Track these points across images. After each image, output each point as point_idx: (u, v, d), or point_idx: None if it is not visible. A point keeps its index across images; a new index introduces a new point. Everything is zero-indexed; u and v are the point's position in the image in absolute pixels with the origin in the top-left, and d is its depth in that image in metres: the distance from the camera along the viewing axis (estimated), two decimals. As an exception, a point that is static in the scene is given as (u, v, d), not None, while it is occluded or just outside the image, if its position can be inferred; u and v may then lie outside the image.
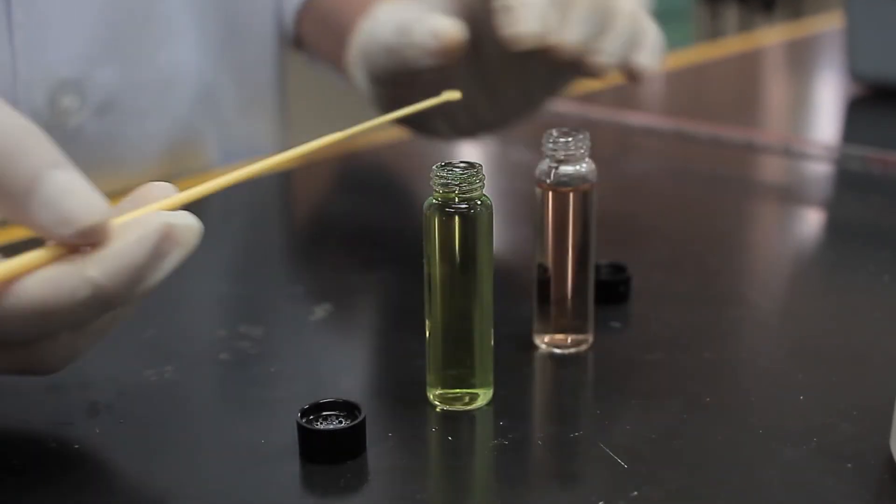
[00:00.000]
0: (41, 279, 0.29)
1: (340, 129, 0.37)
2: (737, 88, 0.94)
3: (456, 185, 0.35)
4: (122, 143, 0.63)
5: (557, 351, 0.41)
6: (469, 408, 0.37)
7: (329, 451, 0.33)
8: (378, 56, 0.49)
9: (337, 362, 0.41)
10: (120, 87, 0.61)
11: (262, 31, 0.69)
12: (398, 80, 0.50)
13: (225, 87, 0.68)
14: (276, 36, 0.70)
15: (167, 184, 0.33)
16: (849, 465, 0.33)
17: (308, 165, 0.67)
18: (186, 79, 0.65)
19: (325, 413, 0.35)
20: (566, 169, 0.39)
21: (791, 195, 0.64)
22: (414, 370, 0.40)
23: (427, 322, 0.36)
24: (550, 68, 0.49)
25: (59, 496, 0.32)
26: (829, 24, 1.15)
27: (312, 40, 0.69)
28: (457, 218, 0.35)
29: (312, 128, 0.58)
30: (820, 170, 0.65)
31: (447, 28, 0.45)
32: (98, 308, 0.30)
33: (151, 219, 0.30)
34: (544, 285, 0.40)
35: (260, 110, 0.72)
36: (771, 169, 0.68)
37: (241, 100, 0.70)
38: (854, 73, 0.85)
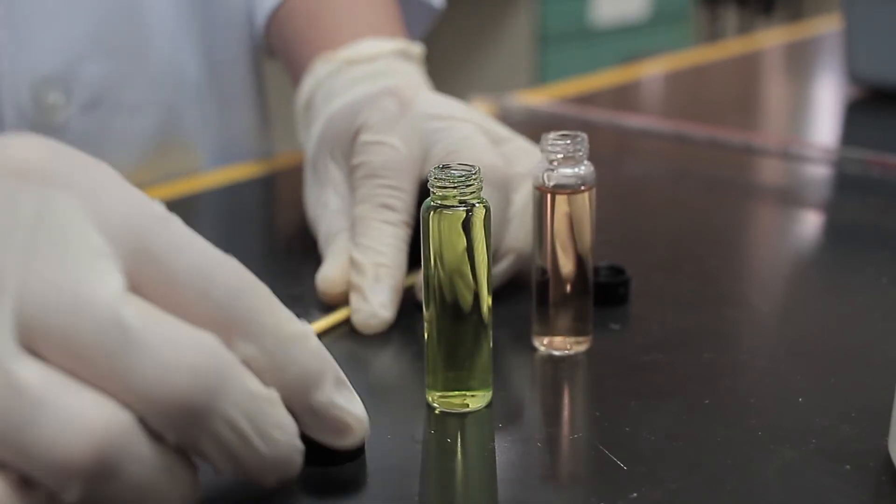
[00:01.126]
0: None
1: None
2: (736, 90, 0.95)
3: (454, 186, 0.35)
4: (110, 141, 0.62)
5: (556, 353, 0.41)
6: (468, 409, 0.37)
7: (328, 452, 0.33)
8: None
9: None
10: (107, 83, 0.61)
11: (236, 32, 0.69)
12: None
13: (206, 85, 0.68)
14: (250, 38, 0.70)
15: None
16: (847, 466, 0.33)
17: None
18: (173, 75, 0.65)
19: (324, 414, 0.34)
20: (565, 171, 0.39)
21: (790, 197, 0.64)
22: (413, 372, 0.40)
23: (426, 324, 0.36)
24: None
25: (58, 498, 0.32)
26: (827, 27, 1.15)
27: (278, 52, 0.68)
28: (455, 219, 0.35)
29: (293, 129, 0.58)
30: (819, 172, 0.65)
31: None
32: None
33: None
34: (543, 287, 0.40)
35: (239, 111, 0.71)
36: (770, 171, 0.68)
37: (220, 99, 0.69)
38: (853, 76, 0.85)
